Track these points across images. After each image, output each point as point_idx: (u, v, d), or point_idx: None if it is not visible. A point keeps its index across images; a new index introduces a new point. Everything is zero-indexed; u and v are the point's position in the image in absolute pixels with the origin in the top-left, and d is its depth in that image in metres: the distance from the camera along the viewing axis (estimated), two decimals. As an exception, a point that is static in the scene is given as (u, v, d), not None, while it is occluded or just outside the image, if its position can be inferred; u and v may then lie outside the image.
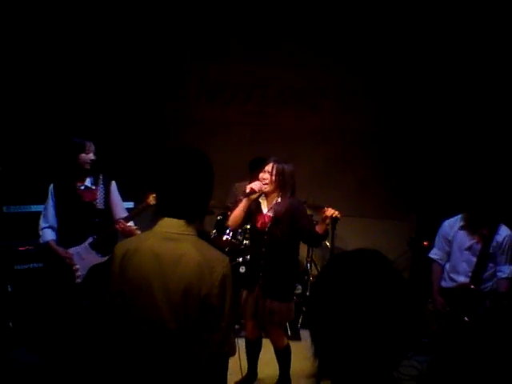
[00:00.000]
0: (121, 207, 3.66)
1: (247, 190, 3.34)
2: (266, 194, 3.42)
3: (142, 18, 5.61)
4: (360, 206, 5.57)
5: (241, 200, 3.43)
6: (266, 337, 3.69)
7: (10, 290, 4.17)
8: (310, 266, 5.31)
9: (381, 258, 1.05)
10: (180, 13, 5.59)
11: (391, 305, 0.99)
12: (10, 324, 4.02)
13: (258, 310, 3.41)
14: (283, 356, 3.58)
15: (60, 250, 3.51)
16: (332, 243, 3.49)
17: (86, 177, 3.55)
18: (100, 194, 3.55)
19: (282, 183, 3.36)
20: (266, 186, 3.35)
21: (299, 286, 5.22)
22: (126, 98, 5.80)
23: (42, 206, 3.63)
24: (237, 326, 4.34)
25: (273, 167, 3.35)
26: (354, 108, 5.80)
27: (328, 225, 3.27)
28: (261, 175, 3.37)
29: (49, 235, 3.55)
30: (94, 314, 3.18)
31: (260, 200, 3.45)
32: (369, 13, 5.48)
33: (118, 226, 3.42)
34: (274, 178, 3.34)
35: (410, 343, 1.01)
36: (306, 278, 5.18)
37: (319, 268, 5.51)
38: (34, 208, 4.18)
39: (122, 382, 1.85)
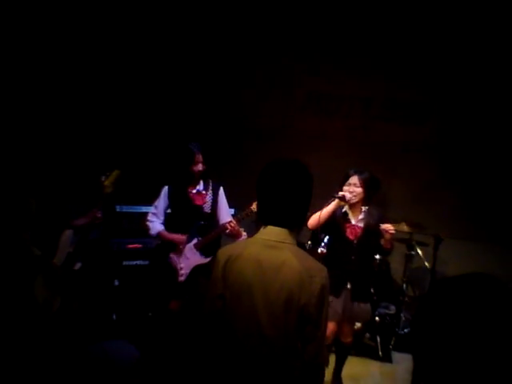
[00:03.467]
0: (226, 212, 3.84)
1: (339, 194, 3.42)
2: (351, 205, 3.52)
3: (252, 34, 5.80)
4: (465, 227, 5.24)
5: (328, 203, 3.48)
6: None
7: (116, 284, 4.47)
8: (407, 286, 5.10)
9: (498, 284, 0.99)
10: (291, 26, 5.70)
11: (507, 335, 0.93)
12: (114, 316, 4.30)
13: (344, 313, 3.52)
14: (346, 351, 3.76)
15: (173, 234, 3.69)
16: (433, 265, 3.36)
17: (198, 182, 3.76)
18: (209, 199, 3.77)
19: (367, 194, 3.47)
20: (354, 198, 3.44)
21: (392, 307, 5.06)
22: (236, 109, 6.00)
23: (151, 207, 3.85)
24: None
25: (359, 179, 3.45)
26: (460, 123, 5.51)
27: (388, 240, 3.39)
28: (346, 188, 3.44)
29: (159, 226, 3.74)
30: (193, 312, 3.32)
31: (347, 211, 3.55)
32: (472, 29, 5.22)
33: (229, 225, 3.56)
34: (360, 189, 3.43)
35: None
36: (400, 298, 4.99)
37: (415, 289, 5.29)
38: (145, 209, 4.42)
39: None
